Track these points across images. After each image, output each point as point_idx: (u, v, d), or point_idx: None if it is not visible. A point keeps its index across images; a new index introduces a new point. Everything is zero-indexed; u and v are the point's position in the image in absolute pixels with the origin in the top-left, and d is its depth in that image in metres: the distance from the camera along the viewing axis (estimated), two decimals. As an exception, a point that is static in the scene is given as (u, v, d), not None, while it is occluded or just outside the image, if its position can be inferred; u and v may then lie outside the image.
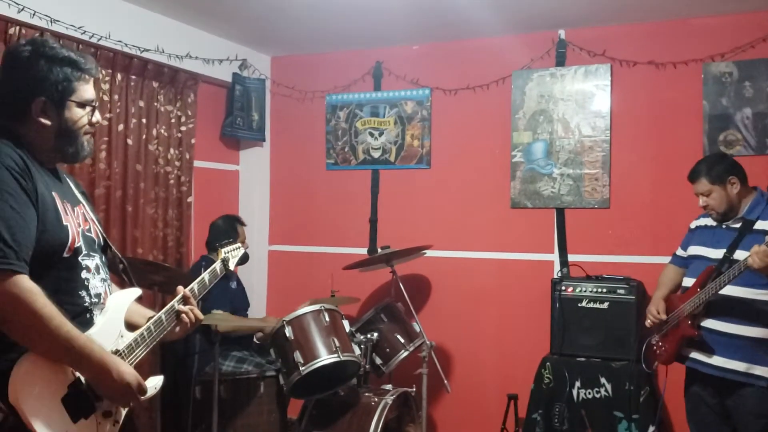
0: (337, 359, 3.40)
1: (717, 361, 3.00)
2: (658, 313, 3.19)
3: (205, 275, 2.27)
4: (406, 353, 3.84)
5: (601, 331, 3.86)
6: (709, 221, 3.20)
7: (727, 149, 3.88)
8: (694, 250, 3.21)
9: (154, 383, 1.99)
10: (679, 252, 3.37)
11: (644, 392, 3.67)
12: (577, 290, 3.94)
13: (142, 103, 4.02)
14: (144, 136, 4.04)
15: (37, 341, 1.64)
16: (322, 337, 3.45)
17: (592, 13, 3.98)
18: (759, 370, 2.92)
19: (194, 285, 2.19)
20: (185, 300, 2.08)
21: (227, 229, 4.05)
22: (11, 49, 1.90)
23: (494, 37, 4.40)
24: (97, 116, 1.93)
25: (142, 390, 1.79)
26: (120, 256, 2.08)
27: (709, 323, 3.03)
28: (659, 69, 4.06)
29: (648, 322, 3.28)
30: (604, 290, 3.89)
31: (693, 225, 3.33)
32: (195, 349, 3.68)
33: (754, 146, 3.86)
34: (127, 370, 1.77)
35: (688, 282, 3.16)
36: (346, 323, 3.62)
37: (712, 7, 3.83)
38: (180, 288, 2.11)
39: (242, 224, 4.14)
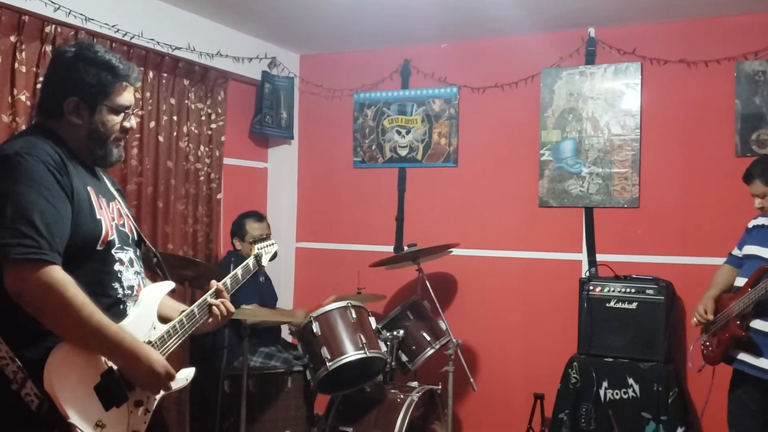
0: (364, 356, 3.42)
1: (765, 363, 2.93)
2: (706, 312, 3.14)
3: (238, 270, 2.31)
4: (432, 351, 3.84)
5: (630, 332, 3.83)
6: (766, 221, 3.14)
7: (759, 149, 3.83)
8: (750, 249, 3.15)
9: (185, 375, 2.03)
10: (735, 251, 3.32)
11: (673, 393, 3.63)
12: (606, 290, 3.91)
13: (173, 101, 4.08)
14: (175, 134, 4.10)
15: (70, 330, 1.69)
16: (348, 333, 3.47)
17: (622, 11, 3.94)
18: None
19: (227, 279, 2.24)
20: (218, 293, 2.13)
21: (235, 228, 4.11)
22: (57, 50, 1.99)
23: (523, 35, 4.38)
24: (131, 122, 1.97)
25: (171, 376, 1.84)
26: (154, 250, 2.13)
27: (759, 324, 2.97)
28: (690, 67, 4.01)
29: (694, 321, 3.22)
30: (633, 290, 3.85)
31: (750, 224, 3.26)
32: (224, 344, 3.73)
33: (787, 146, 3.80)
34: (156, 358, 1.81)
35: (740, 282, 3.10)
36: (372, 320, 3.64)
37: (745, 5, 3.77)
38: (213, 282, 2.15)
39: (258, 220, 4.14)
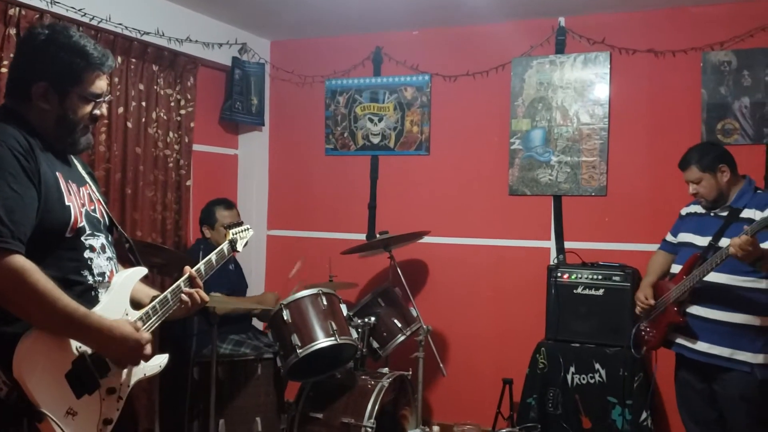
0: (335, 342, 3.42)
1: (701, 346, 3.06)
2: (646, 299, 3.25)
3: (212, 256, 2.29)
4: (402, 337, 3.86)
5: (596, 318, 3.90)
6: (699, 209, 3.24)
7: (724, 138, 3.90)
8: (684, 237, 3.26)
9: (158, 361, 2.02)
10: (669, 238, 3.42)
11: (638, 378, 3.70)
12: (573, 277, 3.97)
13: (141, 87, 4.03)
14: (143, 120, 4.05)
15: (35, 315, 1.67)
16: (319, 320, 3.47)
17: (592, 0, 3.98)
18: (742, 356, 2.97)
19: (201, 265, 2.21)
20: (192, 280, 2.10)
21: (204, 215, 4.08)
22: (29, 31, 1.92)
23: (494, 23, 4.39)
24: (101, 110, 1.93)
25: (147, 340, 1.82)
26: (126, 236, 2.10)
27: (695, 309, 3.09)
28: (658, 57, 4.07)
29: (638, 309, 3.32)
30: (600, 277, 3.92)
31: (683, 212, 3.37)
32: (193, 331, 3.71)
33: (751, 135, 3.88)
34: (128, 329, 1.79)
35: (676, 269, 3.21)
36: (343, 307, 3.64)
37: (712, -5, 3.84)
38: (187, 268, 2.12)
39: (228, 207, 4.10)
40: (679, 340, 3.15)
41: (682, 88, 4.03)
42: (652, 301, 3.23)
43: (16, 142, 1.72)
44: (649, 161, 4.12)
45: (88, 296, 1.83)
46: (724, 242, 2.96)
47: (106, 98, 1.95)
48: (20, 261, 1.64)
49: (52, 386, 1.67)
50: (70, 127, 1.87)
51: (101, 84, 1.90)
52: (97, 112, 1.92)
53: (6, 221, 1.63)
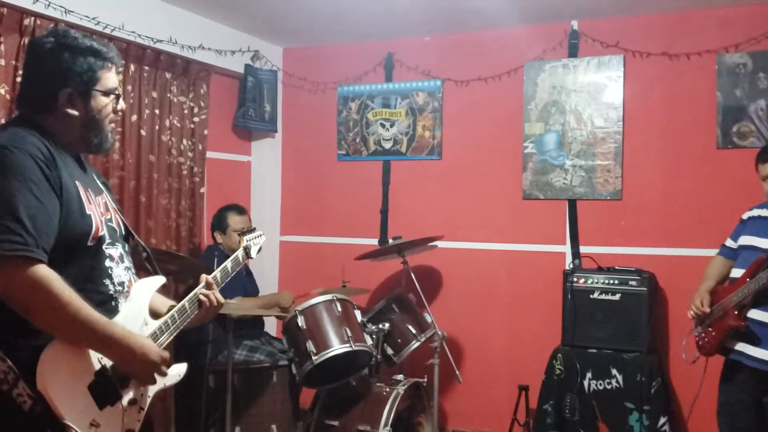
0: (349, 349, 3.41)
1: (762, 354, 2.92)
2: (702, 305, 3.12)
3: (228, 263, 2.29)
4: (417, 344, 3.85)
5: (613, 323, 3.86)
6: (763, 212, 3.13)
7: (740, 141, 3.87)
8: (746, 240, 3.13)
9: (177, 371, 2.02)
10: (729, 243, 3.29)
11: (655, 383, 3.67)
12: (589, 282, 3.94)
13: (155, 94, 4.04)
14: (157, 127, 4.07)
15: (59, 326, 1.66)
16: (334, 326, 3.46)
17: (605, 4, 3.96)
18: None
19: (217, 273, 2.21)
20: (208, 287, 2.10)
21: (216, 221, 4.10)
22: (34, 42, 1.91)
23: (506, 28, 4.38)
24: (121, 104, 1.95)
25: (165, 361, 1.82)
26: (143, 244, 2.10)
27: (757, 315, 2.95)
28: (672, 60, 4.04)
29: (690, 314, 3.20)
30: (616, 282, 3.88)
31: (745, 216, 3.25)
32: (208, 338, 3.71)
33: (767, 138, 3.84)
34: (149, 345, 1.79)
35: (737, 273, 3.09)
36: (358, 313, 3.63)
37: (727, -3, 3.81)
38: (204, 276, 2.12)
39: (240, 213, 4.12)
40: (739, 347, 3.01)
41: (697, 91, 4.00)
42: (707, 309, 3.10)
43: (39, 151, 1.71)
44: (665, 164, 4.09)
45: (109, 306, 1.83)
46: None
47: (120, 91, 1.95)
48: (44, 271, 1.64)
49: (76, 398, 1.66)
50: (98, 126, 1.88)
51: (114, 77, 1.91)
52: (118, 106, 1.93)
53: (30, 230, 1.62)
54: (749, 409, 3.04)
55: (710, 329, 3.13)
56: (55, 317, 1.65)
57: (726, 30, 3.91)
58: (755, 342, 2.95)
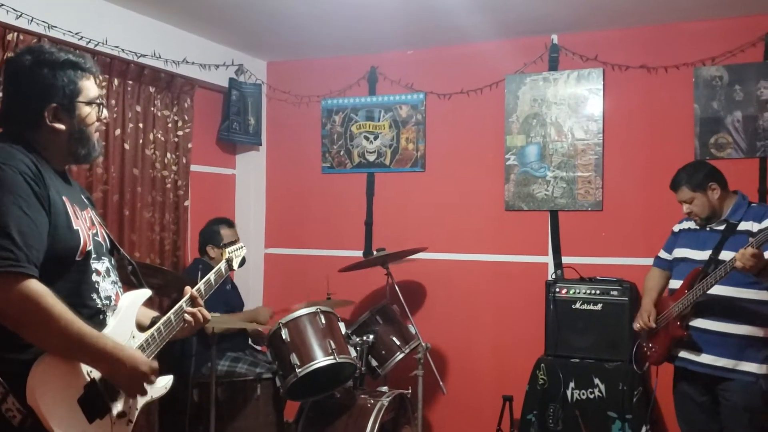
0: (333, 361, 3.42)
1: (705, 359, 3.08)
2: (649, 320, 3.27)
3: (211, 275, 2.30)
4: (401, 355, 3.86)
5: (595, 333, 3.90)
6: (692, 224, 3.28)
7: (717, 152, 3.93)
8: (680, 252, 3.29)
9: (163, 383, 2.02)
10: (663, 255, 3.45)
11: (637, 392, 3.70)
12: (571, 292, 3.98)
13: (138, 108, 4.05)
14: (141, 141, 4.07)
15: (49, 340, 1.67)
16: (318, 339, 3.47)
17: (584, 18, 4.02)
18: (747, 366, 3.01)
19: (200, 285, 2.23)
20: (193, 300, 2.12)
21: (208, 235, 4.11)
22: (12, 60, 1.92)
23: (487, 41, 4.44)
24: (104, 112, 1.96)
25: (155, 372, 1.85)
26: (129, 258, 2.11)
27: (698, 323, 3.12)
28: (651, 73, 4.10)
29: (636, 326, 3.35)
30: (598, 292, 3.93)
31: (676, 228, 3.41)
32: (191, 352, 3.70)
33: (744, 149, 3.91)
34: (140, 357, 1.82)
35: (675, 284, 3.24)
36: (342, 325, 3.65)
37: (703, 11, 3.88)
38: (187, 288, 2.14)
39: (229, 226, 4.15)
40: (683, 354, 3.17)
41: (675, 103, 4.07)
42: (653, 324, 3.25)
43: (27, 168, 1.72)
44: (644, 175, 4.14)
45: (96, 320, 1.84)
46: (724, 255, 3.00)
47: (101, 100, 1.96)
48: (35, 285, 1.64)
49: (66, 411, 1.67)
50: (84, 137, 1.89)
51: (95, 86, 1.93)
52: (101, 114, 1.94)
53: (21, 245, 1.63)
54: (704, 410, 3.20)
55: (657, 339, 3.28)
56: (46, 331, 1.65)
57: (702, 43, 3.99)
58: (698, 349, 3.11)
